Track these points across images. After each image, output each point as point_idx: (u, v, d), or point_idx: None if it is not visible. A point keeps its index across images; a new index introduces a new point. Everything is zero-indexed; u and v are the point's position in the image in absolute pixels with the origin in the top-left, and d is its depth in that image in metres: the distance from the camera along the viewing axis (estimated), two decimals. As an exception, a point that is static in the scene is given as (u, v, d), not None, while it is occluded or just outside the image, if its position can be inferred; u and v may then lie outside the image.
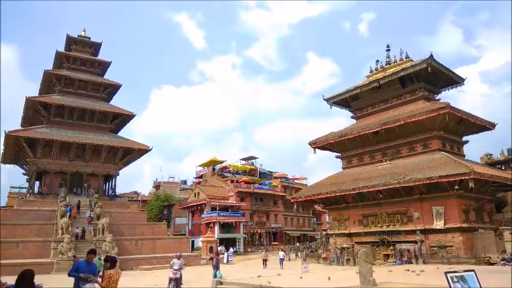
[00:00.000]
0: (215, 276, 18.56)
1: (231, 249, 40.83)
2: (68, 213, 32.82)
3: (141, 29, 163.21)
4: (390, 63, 35.30)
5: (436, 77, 31.97)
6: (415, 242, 26.66)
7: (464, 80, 33.52)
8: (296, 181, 73.21)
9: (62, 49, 46.58)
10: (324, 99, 37.40)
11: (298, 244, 51.63)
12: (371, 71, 36.57)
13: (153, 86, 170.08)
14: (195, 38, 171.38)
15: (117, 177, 44.13)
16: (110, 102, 46.98)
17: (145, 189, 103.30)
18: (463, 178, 24.49)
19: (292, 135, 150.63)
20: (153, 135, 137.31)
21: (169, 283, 14.10)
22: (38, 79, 48.04)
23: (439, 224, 26.43)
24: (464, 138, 33.00)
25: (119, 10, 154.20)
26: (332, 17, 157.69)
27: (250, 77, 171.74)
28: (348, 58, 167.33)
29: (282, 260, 28.74)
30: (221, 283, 15.75)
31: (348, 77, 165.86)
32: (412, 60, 33.01)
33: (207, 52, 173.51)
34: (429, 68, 29.68)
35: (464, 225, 26.02)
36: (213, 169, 64.38)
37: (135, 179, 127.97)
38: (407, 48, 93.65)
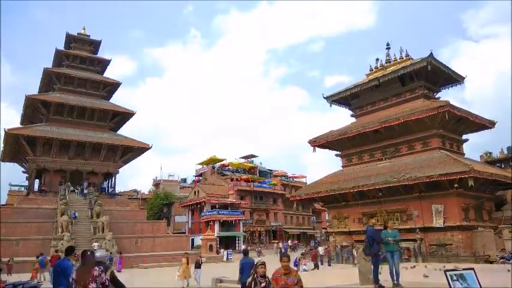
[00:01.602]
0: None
1: (231, 250, 40.86)
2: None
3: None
4: (390, 62, 35.27)
5: (436, 75, 31.95)
6: (415, 240, 26.69)
7: (464, 78, 33.52)
8: (296, 179, 73.24)
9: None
10: (324, 97, 37.37)
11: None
12: (371, 69, 36.55)
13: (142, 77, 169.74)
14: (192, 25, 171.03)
15: (117, 175, 44.19)
16: (110, 100, 47.01)
17: (144, 187, 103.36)
18: (462, 176, 24.51)
19: (293, 132, 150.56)
20: (145, 130, 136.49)
21: None
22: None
23: (438, 223, 26.47)
24: (464, 137, 33.02)
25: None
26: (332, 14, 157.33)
27: (249, 72, 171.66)
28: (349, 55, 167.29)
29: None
30: (221, 281, 15.78)
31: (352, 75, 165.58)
32: (412, 59, 32.99)
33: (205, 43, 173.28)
34: (429, 67, 29.65)
35: (464, 223, 26.06)
36: (213, 167, 64.40)
37: (133, 177, 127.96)
38: (407, 46, 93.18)
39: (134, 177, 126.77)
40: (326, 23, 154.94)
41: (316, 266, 25.98)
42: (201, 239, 43.91)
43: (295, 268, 22.09)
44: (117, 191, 47.05)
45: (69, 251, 6.87)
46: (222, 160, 65.67)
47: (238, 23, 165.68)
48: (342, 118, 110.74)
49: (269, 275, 5.30)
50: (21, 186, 55.30)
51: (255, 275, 5.33)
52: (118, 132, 46.24)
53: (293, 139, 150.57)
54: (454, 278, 5.67)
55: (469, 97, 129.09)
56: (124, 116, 45.38)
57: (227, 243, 47.99)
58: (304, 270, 22.83)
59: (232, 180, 59.02)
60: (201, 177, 65.18)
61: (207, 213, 50.34)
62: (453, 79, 33.37)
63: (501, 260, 22.23)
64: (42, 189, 39.58)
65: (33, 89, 72.95)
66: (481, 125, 31.74)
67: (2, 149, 41.33)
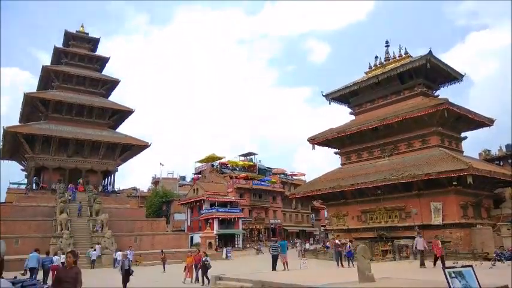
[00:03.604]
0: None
1: (230, 248, 41.04)
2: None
3: None
4: (389, 60, 35.28)
5: (435, 73, 31.99)
6: (414, 237, 26.73)
7: (463, 76, 33.58)
8: (295, 177, 73.33)
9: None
10: (323, 95, 37.41)
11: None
12: (370, 67, 36.53)
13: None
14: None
15: (116, 173, 44.22)
16: (109, 98, 46.99)
17: (143, 185, 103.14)
18: (461, 174, 24.56)
19: (292, 130, 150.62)
20: (144, 128, 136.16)
21: None
22: None
23: (437, 220, 26.54)
24: (463, 134, 33.08)
25: None
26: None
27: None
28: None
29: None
30: (220, 278, 15.80)
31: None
32: (411, 56, 33.02)
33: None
34: (428, 64, 29.69)
35: (463, 221, 26.14)
36: (212, 165, 64.43)
37: (132, 175, 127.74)
38: (406, 41, 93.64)
39: (133, 175, 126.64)
40: (329, 19, 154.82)
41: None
42: (200, 237, 43.98)
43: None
44: (116, 189, 47.08)
45: None
46: (221, 158, 65.71)
47: (241, 21, 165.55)
48: (341, 115, 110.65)
49: None
50: (20, 184, 55.23)
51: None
52: (117, 130, 46.22)
53: (292, 137, 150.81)
54: (453, 275, 5.70)
55: (471, 94, 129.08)
56: (123, 113, 45.37)
57: (226, 241, 48.06)
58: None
59: (231, 178, 59.06)
60: (200, 175, 65.21)
61: (206, 211, 50.37)
62: (452, 77, 33.42)
63: (494, 256, 22.28)
64: (41, 187, 39.56)
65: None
66: (480, 122, 31.80)
67: (0, 146, 41.27)
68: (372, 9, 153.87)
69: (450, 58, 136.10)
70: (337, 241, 26.10)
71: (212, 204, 50.52)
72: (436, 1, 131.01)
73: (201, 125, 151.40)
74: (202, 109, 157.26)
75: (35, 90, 43.62)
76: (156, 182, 75.48)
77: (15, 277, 11.31)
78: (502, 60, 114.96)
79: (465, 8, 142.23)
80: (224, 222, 49.69)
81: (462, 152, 31.73)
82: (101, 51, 50.36)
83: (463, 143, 32.85)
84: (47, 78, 43.31)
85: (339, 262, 22.74)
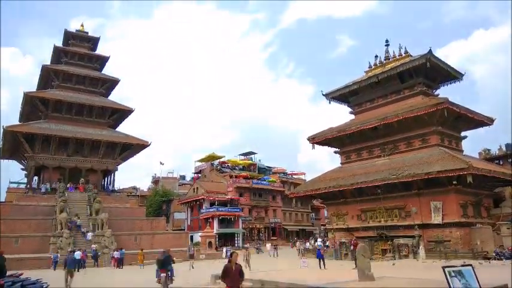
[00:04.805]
0: None
1: (230, 247, 41.04)
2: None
3: None
4: (389, 59, 35.22)
5: (435, 72, 31.94)
6: (413, 236, 26.79)
7: (463, 75, 33.54)
8: (295, 176, 73.35)
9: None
10: (323, 95, 37.37)
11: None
12: (370, 67, 36.48)
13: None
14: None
15: (116, 172, 44.19)
16: (109, 97, 46.98)
17: (143, 184, 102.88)
18: (461, 173, 24.55)
19: (292, 129, 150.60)
20: (144, 127, 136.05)
21: None
22: None
23: (437, 219, 26.54)
24: (463, 134, 33.07)
25: None
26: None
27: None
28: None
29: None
30: (220, 278, 15.80)
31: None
32: (411, 56, 32.97)
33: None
34: (428, 63, 29.64)
35: (462, 220, 26.14)
36: (212, 164, 64.45)
37: (132, 174, 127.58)
38: (406, 40, 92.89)
39: (133, 174, 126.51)
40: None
41: None
42: (200, 236, 44.02)
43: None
44: (116, 188, 47.10)
45: None
46: (221, 157, 65.73)
47: (241, 18, 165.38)
48: (343, 112, 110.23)
49: None
50: (20, 183, 55.25)
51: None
52: (117, 129, 46.21)
53: (293, 135, 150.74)
54: (452, 274, 5.69)
55: (475, 91, 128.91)
56: (123, 113, 45.36)
57: (226, 240, 48.12)
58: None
59: (231, 177, 59.08)
60: (200, 174, 65.24)
61: (206, 210, 50.40)
62: (452, 76, 33.36)
63: (496, 256, 22.30)
64: (37, 188, 39.53)
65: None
66: (480, 121, 31.77)
67: (0, 146, 41.25)
68: (371, 9, 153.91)
69: (451, 57, 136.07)
70: (318, 243, 26.61)
71: (212, 204, 50.54)
72: (436, 0, 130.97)
73: (201, 125, 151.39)
74: (202, 109, 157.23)
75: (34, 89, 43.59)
76: (156, 181, 75.51)
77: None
78: (504, 58, 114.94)
79: (466, 7, 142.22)
80: (224, 222, 49.71)
81: (462, 151, 31.72)
82: (100, 50, 50.26)
83: (463, 142, 32.85)
84: (47, 77, 43.28)
85: (321, 263, 22.21)
